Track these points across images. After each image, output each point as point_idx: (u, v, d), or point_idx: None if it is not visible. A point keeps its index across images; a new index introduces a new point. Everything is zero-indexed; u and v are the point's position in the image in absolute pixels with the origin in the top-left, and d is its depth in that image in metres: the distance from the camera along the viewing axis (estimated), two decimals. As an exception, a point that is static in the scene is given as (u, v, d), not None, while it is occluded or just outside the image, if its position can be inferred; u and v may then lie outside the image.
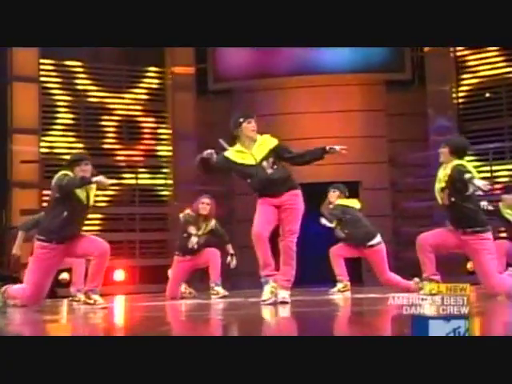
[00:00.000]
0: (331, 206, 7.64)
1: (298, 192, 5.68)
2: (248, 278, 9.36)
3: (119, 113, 12.15)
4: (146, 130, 12.36)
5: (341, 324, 4.50)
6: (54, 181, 6.01)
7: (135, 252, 11.72)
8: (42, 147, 11.53)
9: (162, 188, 12.36)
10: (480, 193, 5.51)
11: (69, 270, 7.85)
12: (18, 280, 7.92)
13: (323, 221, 7.63)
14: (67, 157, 8.22)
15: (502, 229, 8.33)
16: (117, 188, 11.76)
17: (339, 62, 12.07)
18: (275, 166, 5.66)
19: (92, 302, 6.05)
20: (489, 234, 5.72)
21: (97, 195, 6.41)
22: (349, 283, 7.64)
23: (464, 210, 5.60)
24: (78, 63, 11.92)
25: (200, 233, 7.70)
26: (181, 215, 7.88)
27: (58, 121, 11.75)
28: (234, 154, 5.72)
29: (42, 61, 11.58)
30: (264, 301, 5.48)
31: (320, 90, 11.97)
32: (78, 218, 5.99)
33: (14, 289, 6.19)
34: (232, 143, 5.81)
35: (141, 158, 12.19)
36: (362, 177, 11.69)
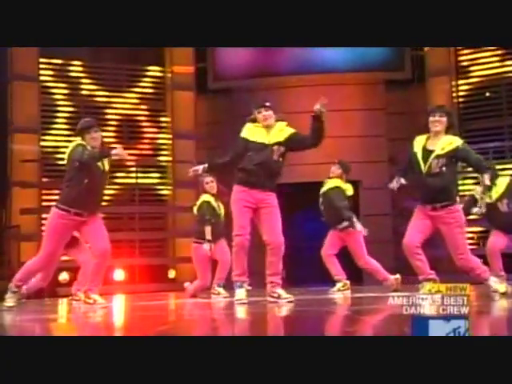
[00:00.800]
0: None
1: (274, 194, 5.75)
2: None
3: (119, 112, 12.15)
4: (145, 130, 12.36)
5: (341, 324, 4.50)
6: (69, 152, 5.94)
7: (135, 251, 11.72)
8: (42, 146, 11.54)
9: (161, 187, 12.37)
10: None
11: (69, 270, 7.85)
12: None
13: None
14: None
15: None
16: (117, 187, 11.77)
17: (339, 61, 12.07)
18: (281, 159, 5.70)
19: (91, 301, 6.04)
20: (458, 207, 5.77)
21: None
22: (348, 282, 7.64)
23: (448, 181, 5.62)
24: (78, 63, 11.93)
25: (220, 212, 7.67)
26: (198, 203, 7.80)
27: (58, 120, 11.75)
28: (250, 130, 5.74)
29: (41, 60, 11.59)
30: (239, 300, 5.65)
31: (320, 89, 11.88)
32: (97, 186, 5.97)
33: (25, 265, 6.12)
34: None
35: (141, 158, 12.19)
36: (361, 176, 11.67)
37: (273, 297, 5.62)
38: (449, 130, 5.74)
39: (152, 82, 12.46)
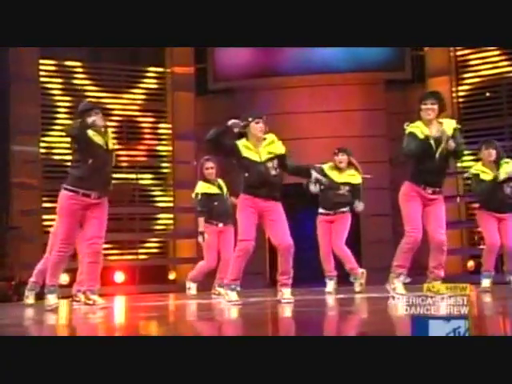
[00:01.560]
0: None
1: (280, 203, 5.89)
2: (248, 278, 9.33)
3: (119, 113, 12.13)
4: (145, 130, 12.35)
5: (341, 324, 4.50)
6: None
7: (135, 252, 11.72)
8: (42, 147, 11.52)
9: (161, 188, 12.36)
10: None
11: (68, 271, 7.83)
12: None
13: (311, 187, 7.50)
14: (68, 157, 8.23)
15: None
16: (116, 187, 11.75)
17: (339, 62, 12.05)
18: (278, 170, 5.85)
19: (91, 302, 6.03)
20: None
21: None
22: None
23: (447, 164, 5.81)
24: (78, 63, 11.91)
25: (223, 191, 7.77)
26: (195, 191, 7.80)
27: (58, 121, 11.71)
28: (241, 146, 5.84)
29: (41, 61, 11.57)
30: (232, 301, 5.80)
31: (320, 90, 11.95)
32: (103, 165, 5.89)
33: (49, 264, 6.10)
34: (238, 138, 5.88)
35: (141, 158, 12.19)
36: (362, 176, 11.66)
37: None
38: (441, 114, 5.79)
39: (152, 83, 12.45)
